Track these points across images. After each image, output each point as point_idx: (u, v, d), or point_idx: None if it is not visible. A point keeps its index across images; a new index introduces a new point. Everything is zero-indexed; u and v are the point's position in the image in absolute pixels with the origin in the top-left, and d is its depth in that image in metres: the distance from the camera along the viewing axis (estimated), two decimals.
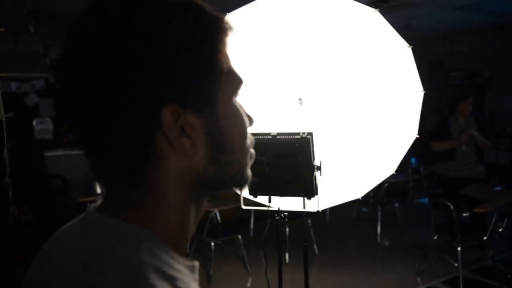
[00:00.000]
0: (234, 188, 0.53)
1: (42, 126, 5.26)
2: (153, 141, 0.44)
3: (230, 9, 1.59)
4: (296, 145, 1.38)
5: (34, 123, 5.20)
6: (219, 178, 0.49)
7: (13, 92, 5.04)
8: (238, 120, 0.50)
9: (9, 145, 2.71)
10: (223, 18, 0.48)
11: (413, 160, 5.52)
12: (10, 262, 2.80)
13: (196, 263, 0.51)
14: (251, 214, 4.52)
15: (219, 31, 0.47)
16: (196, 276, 0.50)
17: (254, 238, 4.41)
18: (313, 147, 1.43)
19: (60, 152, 5.14)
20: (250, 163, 0.53)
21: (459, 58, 6.21)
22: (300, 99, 1.56)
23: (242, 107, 0.52)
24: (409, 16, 4.32)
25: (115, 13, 0.43)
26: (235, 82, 0.49)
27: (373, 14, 1.62)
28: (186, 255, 0.51)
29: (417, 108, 1.76)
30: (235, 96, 0.50)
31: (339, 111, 1.59)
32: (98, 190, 4.05)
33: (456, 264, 3.35)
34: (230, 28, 0.48)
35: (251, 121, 0.53)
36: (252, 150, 0.54)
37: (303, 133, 1.42)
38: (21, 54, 4.77)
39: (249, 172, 0.53)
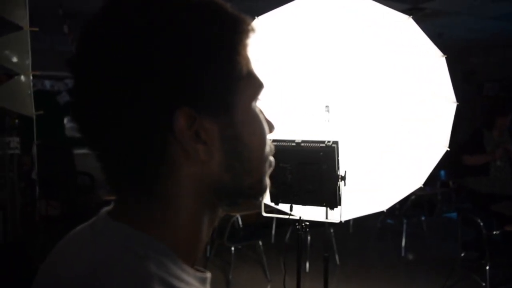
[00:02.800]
0: (251, 198, 0.49)
1: (73, 124, 5.41)
2: (165, 146, 0.42)
3: (259, 13, 1.58)
4: (321, 153, 1.35)
5: (65, 121, 5.34)
6: (235, 187, 0.46)
7: (47, 90, 5.21)
8: (257, 126, 0.47)
9: (38, 141, 2.78)
10: (244, 19, 0.45)
11: (442, 172, 5.36)
12: (36, 257, 2.86)
13: (208, 275, 0.48)
14: (273, 220, 4.48)
15: (239, 32, 0.44)
16: (208, 287, 0.48)
17: (275, 244, 4.37)
18: (338, 156, 1.39)
19: (86, 149, 5.27)
20: (269, 171, 0.50)
21: (494, 69, 6.00)
22: (327, 106, 1.53)
23: (262, 113, 0.49)
24: (443, 25, 4.21)
25: (130, 12, 0.42)
26: (255, 86, 0.46)
27: (407, 21, 1.57)
28: (195, 265, 0.48)
29: (449, 120, 1.69)
30: (255, 101, 0.47)
31: (368, 119, 1.55)
32: None
33: (483, 284, 3.21)
34: (252, 29, 0.45)
35: (271, 127, 0.50)
36: (271, 158, 0.50)
37: (328, 141, 1.38)
38: (56, 54, 4.93)
39: (267, 181, 0.50)
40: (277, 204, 1.43)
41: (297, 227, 1.56)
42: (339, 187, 1.39)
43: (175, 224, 0.44)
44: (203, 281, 0.46)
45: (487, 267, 3.25)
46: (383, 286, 3.54)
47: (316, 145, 1.35)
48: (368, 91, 1.54)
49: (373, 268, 3.94)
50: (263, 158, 0.48)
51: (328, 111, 1.51)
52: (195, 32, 0.41)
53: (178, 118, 0.41)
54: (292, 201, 1.37)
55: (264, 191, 0.49)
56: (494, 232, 3.40)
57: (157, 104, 0.41)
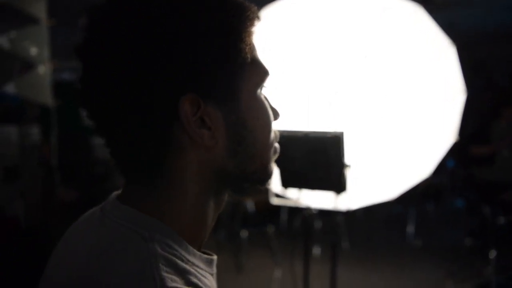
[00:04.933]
0: (256, 184, 0.49)
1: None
2: (171, 132, 0.42)
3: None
4: (328, 142, 1.34)
5: (82, 111, 5.39)
6: (240, 172, 0.46)
7: (66, 81, 5.24)
8: (261, 112, 0.46)
9: (57, 130, 2.81)
10: (249, 6, 0.44)
11: (450, 162, 5.30)
12: (55, 241, 2.92)
13: (214, 257, 0.48)
14: (284, 207, 4.49)
15: (244, 19, 0.43)
16: (214, 270, 0.48)
17: (286, 230, 4.38)
18: (344, 145, 1.38)
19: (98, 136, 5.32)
20: (274, 158, 0.50)
21: (504, 60, 5.87)
22: (336, 92, 1.51)
23: (267, 100, 0.48)
24: (454, 16, 4.12)
25: (136, 0, 0.42)
26: (260, 73, 0.46)
27: (417, 10, 1.53)
28: (202, 248, 0.48)
29: (457, 110, 1.66)
30: (260, 88, 0.46)
31: (375, 108, 1.52)
32: None
33: (488, 270, 3.18)
34: (257, 17, 0.44)
35: (276, 114, 0.49)
36: (276, 145, 0.50)
37: (335, 131, 1.37)
38: (72, 46, 4.95)
39: (272, 167, 0.50)
40: (286, 188, 1.43)
41: (304, 213, 1.56)
42: (345, 173, 1.39)
43: (181, 207, 0.44)
44: (209, 263, 0.47)
45: (492, 254, 3.22)
46: (390, 271, 3.54)
47: (323, 135, 1.35)
48: (376, 79, 1.51)
49: (380, 254, 3.93)
50: (267, 144, 0.48)
51: (334, 97, 1.49)
52: (201, 19, 0.41)
53: (183, 104, 0.41)
54: (300, 186, 1.38)
55: (269, 177, 0.49)
56: (500, 221, 3.37)
57: (163, 90, 0.40)
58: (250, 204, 3.85)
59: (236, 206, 3.79)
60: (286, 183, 1.42)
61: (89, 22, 0.44)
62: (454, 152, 1.91)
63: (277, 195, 1.55)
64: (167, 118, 0.41)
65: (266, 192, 1.67)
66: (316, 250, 3.63)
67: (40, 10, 2.55)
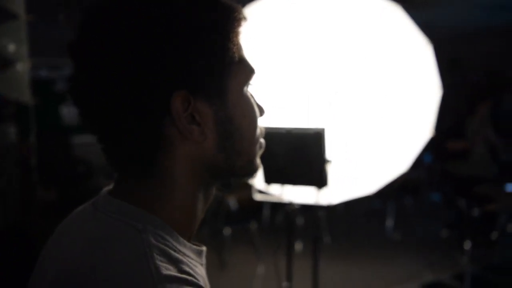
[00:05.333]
0: (243, 178, 0.51)
1: (70, 112, 5.35)
2: (163, 128, 0.44)
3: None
4: (310, 138, 1.37)
5: (61, 109, 5.29)
6: (228, 167, 0.48)
7: (43, 78, 5.13)
8: (248, 109, 0.48)
9: (36, 129, 2.75)
10: (236, 7, 0.46)
11: (427, 157, 5.42)
12: (36, 242, 2.86)
13: (204, 248, 0.50)
14: (267, 203, 4.52)
15: (231, 20, 0.45)
16: (203, 260, 0.50)
17: (268, 226, 4.41)
18: (325, 141, 1.41)
19: (87, 138, 5.23)
20: (259, 153, 0.52)
21: (479, 58, 6.03)
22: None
23: (253, 97, 0.50)
24: (431, 14, 4.20)
25: (129, 1, 0.43)
26: (246, 72, 0.48)
27: (394, 10, 1.57)
28: (194, 240, 0.50)
29: (434, 107, 1.71)
30: (247, 86, 0.48)
31: (355, 105, 1.55)
32: None
33: (464, 261, 3.28)
34: (244, 18, 0.46)
35: (262, 111, 0.51)
36: (262, 140, 0.52)
37: (317, 128, 1.39)
38: (51, 42, 4.84)
39: (258, 162, 0.52)
40: (269, 184, 1.45)
41: (286, 209, 1.58)
42: (326, 169, 1.42)
43: (172, 200, 0.46)
44: (199, 253, 0.48)
45: (468, 246, 3.32)
46: (371, 265, 3.61)
47: (305, 131, 1.37)
48: (355, 77, 1.54)
49: (361, 248, 4.00)
50: (253, 140, 0.50)
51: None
52: (192, 20, 0.42)
53: (174, 101, 0.42)
54: (283, 182, 1.40)
55: (255, 172, 0.51)
56: (474, 213, 3.47)
57: (155, 87, 0.42)
58: (233, 201, 3.86)
59: (219, 204, 3.79)
60: (269, 179, 1.43)
61: (83, 22, 0.45)
62: (431, 147, 1.96)
63: (260, 191, 1.56)
64: (159, 114, 0.43)
65: (248, 189, 1.69)
66: (298, 246, 3.67)
67: (18, 6, 2.48)
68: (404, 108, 1.61)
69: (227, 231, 3.63)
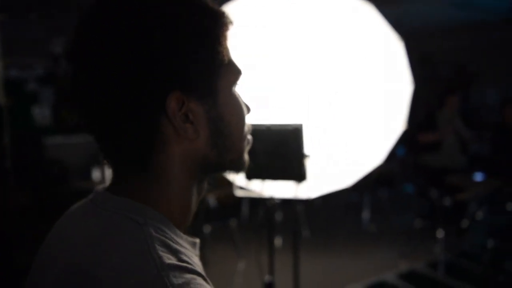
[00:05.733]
0: (233, 172, 0.55)
1: (42, 113, 5.22)
2: (159, 127, 0.46)
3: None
4: (289, 134, 1.40)
5: (33, 110, 5.15)
6: (219, 162, 0.51)
7: (14, 78, 4.97)
8: (237, 108, 0.51)
9: (10, 131, 2.68)
10: (224, 12, 0.48)
11: (399, 150, 5.56)
12: (9, 245, 2.79)
13: (197, 240, 0.53)
14: (245, 200, 4.54)
15: (220, 24, 0.48)
16: (197, 251, 0.52)
17: (247, 223, 4.44)
18: (303, 136, 1.44)
19: (60, 139, 5.10)
20: (247, 148, 0.55)
21: (448, 53, 6.22)
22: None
23: (240, 96, 0.53)
24: (401, 11, 4.31)
25: (125, 6, 0.44)
26: (234, 73, 0.50)
27: (366, 7, 1.61)
28: (188, 233, 0.52)
29: (406, 101, 1.76)
30: (235, 86, 0.51)
31: (329, 102, 1.59)
32: (97, 176, 4.02)
33: (437, 249, 3.41)
34: (231, 22, 0.49)
35: (248, 109, 0.54)
36: (249, 137, 0.55)
37: (295, 124, 1.42)
38: (23, 41, 4.69)
39: (246, 157, 0.55)
40: (250, 180, 1.47)
41: (267, 204, 1.61)
42: (305, 163, 1.45)
43: (168, 195, 0.48)
44: (193, 245, 0.51)
45: (440, 234, 3.44)
46: (349, 256, 3.69)
47: (284, 127, 1.40)
48: (330, 75, 1.58)
49: (339, 240, 4.08)
50: (242, 136, 0.53)
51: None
52: (184, 25, 0.45)
53: (170, 102, 0.45)
54: (263, 177, 1.43)
55: (243, 166, 0.54)
56: (446, 203, 3.60)
57: (152, 89, 0.44)
58: (212, 200, 3.87)
59: (199, 202, 3.79)
60: (249, 175, 1.46)
61: (81, 27, 0.46)
62: (404, 140, 2.02)
63: (241, 188, 1.58)
64: (155, 114, 0.45)
65: (227, 187, 1.70)
66: (278, 241, 3.71)
67: None
68: (378, 103, 1.65)
69: (207, 229, 3.63)
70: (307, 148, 1.46)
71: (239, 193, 1.57)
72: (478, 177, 3.82)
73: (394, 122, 1.74)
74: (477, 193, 3.47)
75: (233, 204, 4.22)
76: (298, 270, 1.86)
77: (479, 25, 5.28)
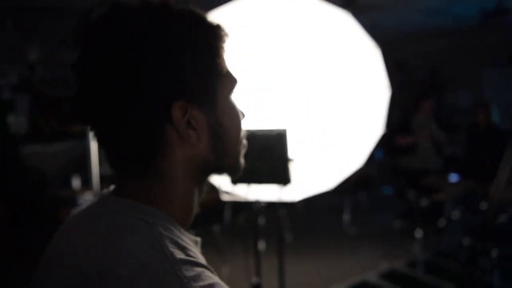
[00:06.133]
0: (230, 174, 0.58)
1: (17, 121, 5.10)
2: (164, 133, 0.49)
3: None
4: (273, 139, 1.44)
5: (9, 118, 5.03)
6: (218, 165, 0.55)
7: None
8: (234, 115, 0.55)
9: None
10: (221, 26, 0.52)
11: (378, 153, 5.68)
12: None
13: (199, 239, 0.56)
14: (228, 206, 4.55)
15: (218, 38, 0.51)
16: (199, 249, 0.55)
17: (230, 228, 4.45)
18: (287, 141, 1.48)
19: (37, 147, 5.00)
20: (243, 151, 0.59)
21: (422, 58, 6.41)
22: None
23: (236, 103, 0.56)
24: (376, 18, 4.42)
25: (131, 20, 0.47)
26: (231, 82, 0.54)
27: (344, 16, 1.66)
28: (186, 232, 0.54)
29: (383, 106, 1.82)
30: (231, 94, 0.55)
31: (313, 107, 1.64)
32: (77, 185, 3.96)
33: (416, 248, 3.50)
34: (226, 35, 0.52)
35: (243, 115, 0.58)
36: (244, 141, 0.59)
37: (279, 129, 1.46)
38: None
39: (242, 160, 0.58)
40: (235, 184, 1.50)
41: (253, 207, 1.63)
42: (289, 167, 1.49)
43: (173, 197, 0.51)
44: (196, 243, 0.54)
45: (419, 234, 3.54)
46: (332, 258, 3.74)
47: (269, 133, 1.44)
48: (310, 83, 1.62)
49: (321, 242, 4.14)
50: (238, 141, 0.56)
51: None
52: (187, 39, 0.48)
53: (174, 110, 0.48)
54: (249, 181, 1.47)
55: (240, 169, 0.58)
56: (423, 204, 3.70)
57: (158, 99, 0.47)
58: (195, 205, 3.86)
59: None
60: (235, 180, 1.48)
61: (87, 39, 0.48)
62: (381, 143, 2.08)
63: (227, 192, 1.61)
64: (161, 122, 0.49)
65: (210, 192, 1.72)
66: (261, 244, 3.73)
67: None
68: (358, 108, 1.71)
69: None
70: (291, 153, 1.51)
71: (225, 198, 1.59)
72: (453, 178, 3.94)
73: (374, 126, 1.80)
74: (452, 194, 3.59)
75: (216, 209, 4.22)
76: (284, 272, 1.89)
77: (451, 32, 5.47)
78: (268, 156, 1.43)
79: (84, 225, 0.52)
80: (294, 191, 1.70)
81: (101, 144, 0.52)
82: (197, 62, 0.49)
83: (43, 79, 5.29)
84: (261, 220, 3.92)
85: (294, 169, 1.55)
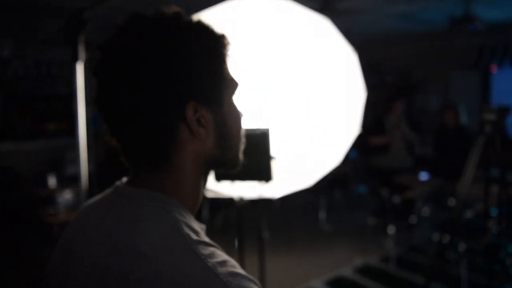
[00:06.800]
0: (231, 168, 0.63)
1: None
2: (178, 130, 0.54)
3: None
4: (257, 138, 1.49)
5: None
6: (222, 159, 0.60)
7: None
8: (236, 114, 0.61)
9: None
10: (225, 35, 0.57)
11: (352, 153, 5.82)
12: None
13: (204, 226, 0.60)
14: (206, 204, 4.56)
15: (223, 46, 0.57)
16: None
17: (208, 228, 4.46)
18: (270, 140, 1.53)
19: (11, 145, 4.87)
20: (242, 148, 0.64)
21: (394, 61, 6.61)
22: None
23: (237, 104, 0.62)
24: (349, 23, 4.54)
25: (149, 32, 0.53)
26: (234, 85, 0.60)
27: (324, 22, 1.73)
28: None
29: (360, 107, 1.90)
30: (233, 96, 0.60)
31: (294, 108, 1.69)
32: (53, 183, 3.89)
33: (389, 244, 3.63)
34: (229, 43, 0.58)
35: (242, 115, 0.64)
36: (243, 139, 0.64)
37: (262, 128, 1.52)
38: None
39: (241, 155, 0.64)
40: (219, 181, 1.54)
41: (236, 204, 1.68)
42: (271, 164, 1.55)
43: (183, 187, 0.57)
44: (202, 229, 0.58)
45: (391, 230, 3.67)
46: (308, 254, 3.82)
47: (252, 132, 1.48)
48: (291, 85, 1.68)
49: (298, 240, 4.22)
50: (239, 138, 0.62)
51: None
52: (197, 48, 0.54)
53: (188, 110, 0.54)
54: (233, 178, 1.52)
55: (239, 162, 0.64)
56: (395, 201, 3.84)
57: (173, 101, 0.53)
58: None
59: None
60: (219, 177, 1.53)
61: (110, 47, 0.54)
62: (355, 144, 2.16)
63: (210, 189, 1.64)
64: (175, 120, 0.54)
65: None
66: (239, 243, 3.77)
67: None
68: (335, 110, 1.78)
69: None
70: (273, 151, 1.56)
71: (209, 194, 1.63)
72: (423, 176, 4.09)
73: (350, 126, 1.88)
74: (422, 191, 3.74)
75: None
76: (265, 269, 1.93)
77: (421, 36, 5.67)
78: (252, 154, 1.48)
79: (105, 212, 0.57)
80: (275, 188, 1.75)
81: (119, 140, 0.57)
82: (206, 69, 0.55)
83: (17, 75, 5.16)
84: (231, 218, 3.95)
85: (276, 166, 1.61)
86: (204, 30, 0.56)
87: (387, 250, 3.72)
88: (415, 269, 3.40)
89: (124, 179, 0.60)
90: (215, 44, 0.56)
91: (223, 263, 0.49)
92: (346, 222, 4.75)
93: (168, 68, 0.52)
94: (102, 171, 3.35)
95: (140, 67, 0.52)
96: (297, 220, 4.90)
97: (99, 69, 0.55)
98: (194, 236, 0.51)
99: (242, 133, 0.64)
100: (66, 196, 3.19)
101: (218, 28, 0.58)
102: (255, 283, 0.49)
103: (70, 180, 4.46)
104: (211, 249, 0.50)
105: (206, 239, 0.53)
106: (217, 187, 1.64)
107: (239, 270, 0.49)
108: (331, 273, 3.36)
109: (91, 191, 1.28)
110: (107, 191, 0.60)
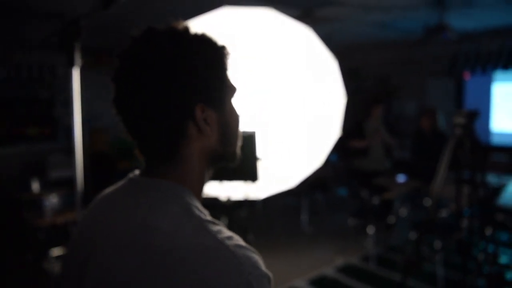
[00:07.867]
0: (230, 162, 0.71)
1: None
2: (187, 128, 0.63)
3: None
4: (244, 140, 1.55)
5: None
6: (223, 154, 0.69)
7: None
8: (235, 115, 0.70)
9: None
10: (225, 46, 0.66)
11: (332, 156, 5.94)
12: None
13: (207, 212, 0.67)
14: None
15: (225, 55, 0.66)
16: None
17: None
18: (256, 143, 1.61)
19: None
20: (239, 144, 0.72)
21: (373, 68, 6.80)
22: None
23: (236, 106, 0.70)
24: (329, 30, 4.67)
25: (163, 42, 0.61)
26: (233, 89, 0.69)
27: (306, 30, 1.82)
28: None
29: (340, 112, 2.00)
30: (233, 98, 0.69)
31: (278, 112, 1.77)
32: (37, 188, 3.86)
33: (369, 244, 3.74)
34: (229, 53, 0.67)
35: (240, 116, 0.72)
36: (240, 136, 0.73)
37: (249, 131, 1.59)
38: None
39: (238, 151, 0.72)
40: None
41: (225, 204, 1.74)
42: (258, 165, 1.63)
43: (191, 178, 0.65)
44: (207, 215, 0.65)
45: (371, 230, 3.79)
46: (291, 255, 3.89)
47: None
48: (275, 91, 1.76)
49: (281, 241, 4.28)
50: (238, 135, 0.71)
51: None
52: (204, 58, 0.63)
53: (197, 110, 0.62)
54: (221, 179, 1.59)
55: (237, 158, 0.72)
56: (374, 202, 3.96)
57: (185, 103, 0.61)
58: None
59: None
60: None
61: (127, 55, 0.62)
62: (336, 147, 2.26)
63: None
64: (186, 119, 0.62)
65: None
66: None
67: None
68: (317, 114, 1.87)
69: None
70: (259, 153, 1.64)
71: None
72: (401, 178, 4.23)
73: (331, 130, 1.97)
74: (400, 193, 3.87)
75: None
76: None
77: (398, 44, 5.86)
78: (239, 155, 1.55)
79: (125, 198, 0.64)
80: (260, 189, 1.83)
81: (134, 137, 0.64)
82: (212, 75, 0.63)
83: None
84: (223, 220, 4.02)
85: (261, 167, 1.68)
86: (209, 42, 0.64)
87: (367, 249, 3.83)
88: (393, 267, 3.52)
89: (137, 172, 0.67)
90: (218, 54, 0.65)
91: (230, 237, 0.57)
92: (328, 224, 4.85)
93: (180, 75, 0.60)
94: (87, 174, 3.35)
95: (157, 75, 0.59)
96: (279, 222, 4.97)
97: (118, 76, 0.62)
98: (203, 216, 0.60)
99: (240, 131, 0.72)
100: (53, 199, 3.20)
101: (219, 40, 0.66)
102: (256, 254, 0.57)
103: (55, 184, 4.44)
104: (219, 227, 0.59)
105: (214, 220, 0.61)
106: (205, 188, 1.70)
107: (243, 243, 0.57)
108: (314, 273, 3.44)
109: (86, 193, 1.32)
110: (121, 182, 0.68)
